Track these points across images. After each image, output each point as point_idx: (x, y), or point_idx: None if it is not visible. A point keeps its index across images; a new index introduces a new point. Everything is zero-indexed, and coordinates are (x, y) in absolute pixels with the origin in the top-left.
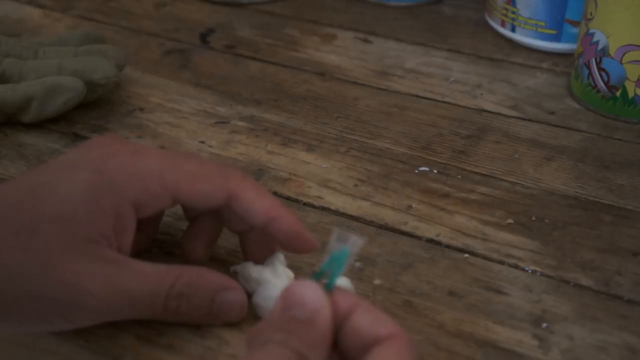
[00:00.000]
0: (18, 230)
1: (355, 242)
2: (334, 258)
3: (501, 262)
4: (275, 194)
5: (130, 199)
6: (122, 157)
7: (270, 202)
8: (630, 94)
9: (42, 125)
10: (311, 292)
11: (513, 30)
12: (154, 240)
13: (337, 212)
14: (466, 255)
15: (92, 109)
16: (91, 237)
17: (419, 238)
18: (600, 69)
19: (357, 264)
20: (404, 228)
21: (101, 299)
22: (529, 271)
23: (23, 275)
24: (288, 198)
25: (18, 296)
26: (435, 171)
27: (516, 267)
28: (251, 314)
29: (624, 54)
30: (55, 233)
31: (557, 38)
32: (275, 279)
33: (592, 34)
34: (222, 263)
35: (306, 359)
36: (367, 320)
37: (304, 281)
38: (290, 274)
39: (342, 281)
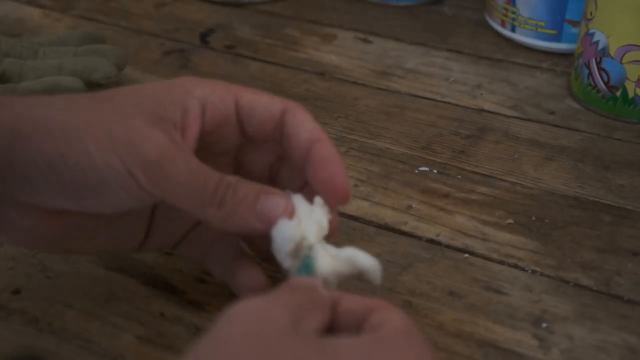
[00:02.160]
0: (94, 97)
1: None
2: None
3: (501, 262)
4: None
5: (197, 95)
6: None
7: (317, 126)
8: (631, 94)
9: None
10: (305, 279)
11: (513, 30)
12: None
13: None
14: (466, 255)
15: None
16: (161, 115)
17: (419, 238)
18: (600, 69)
19: None
20: (404, 228)
21: (155, 160)
22: (529, 271)
23: (91, 124)
24: None
25: (82, 149)
26: (435, 171)
27: (516, 267)
28: None
29: (624, 54)
30: (130, 102)
31: (557, 38)
32: (306, 219)
33: (592, 34)
34: None
35: (313, 306)
36: (356, 300)
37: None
38: (324, 222)
39: (372, 259)
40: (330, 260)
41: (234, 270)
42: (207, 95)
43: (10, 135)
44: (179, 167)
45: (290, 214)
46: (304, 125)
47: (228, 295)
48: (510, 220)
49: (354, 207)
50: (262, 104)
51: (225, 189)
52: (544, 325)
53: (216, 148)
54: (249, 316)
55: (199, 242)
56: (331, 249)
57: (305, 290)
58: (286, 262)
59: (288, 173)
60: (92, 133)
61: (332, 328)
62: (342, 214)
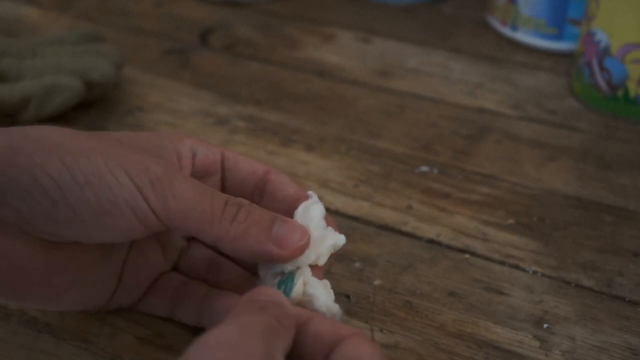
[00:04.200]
0: (98, 133)
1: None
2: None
3: (502, 263)
4: None
5: (187, 143)
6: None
7: (299, 188)
8: (632, 94)
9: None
10: (273, 289)
11: (514, 29)
12: None
13: (337, 212)
14: (467, 255)
15: (91, 109)
16: (157, 154)
17: (419, 238)
18: (601, 69)
19: (357, 265)
20: (404, 228)
21: (163, 177)
22: (530, 272)
23: (95, 146)
24: None
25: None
26: (436, 171)
27: (517, 267)
28: None
29: (625, 54)
30: (126, 140)
31: (558, 37)
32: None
33: (594, 34)
34: None
35: (282, 328)
36: (327, 324)
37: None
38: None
39: (333, 308)
40: (302, 288)
41: (207, 308)
42: (196, 145)
43: (8, 152)
44: (186, 184)
45: (307, 243)
46: (290, 183)
47: None
48: (511, 221)
49: (354, 207)
50: (247, 161)
51: (237, 208)
52: (545, 326)
53: None
54: (224, 351)
55: (166, 291)
56: (310, 279)
57: (273, 307)
58: (266, 276)
59: None
60: (99, 152)
61: (295, 351)
62: (342, 214)
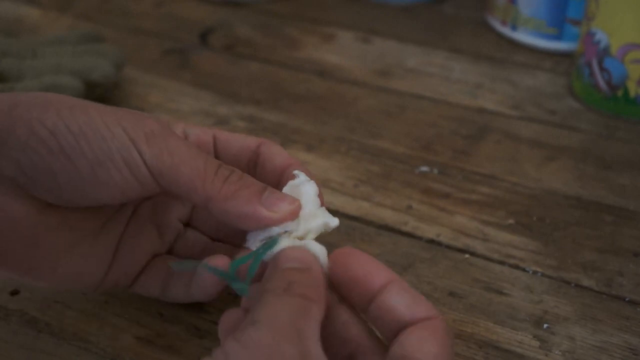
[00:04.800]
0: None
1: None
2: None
3: (502, 263)
4: None
5: (180, 124)
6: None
7: (290, 157)
8: (632, 94)
9: None
10: (300, 250)
11: (514, 29)
12: None
13: (337, 212)
14: (467, 255)
15: None
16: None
17: (419, 238)
18: (601, 69)
19: None
20: (404, 228)
21: (158, 132)
22: (530, 272)
23: (91, 104)
24: None
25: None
26: (436, 171)
27: (517, 267)
28: None
29: (625, 53)
30: (123, 111)
31: (558, 37)
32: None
33: (594, 34)
34: None
35: (312, 301)
36: (404, 299)
37: (292, 247)
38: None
39: (316, 247)
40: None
41: (190, 284)
42: (188, 127)
43: (8, 107)
44: (181, 142)
45: (298, 209)
46: (279, 154)
47: (227, 295)
48: (511, 221)
49: (354, 207)
50: (239, 138)
51: (229, 171)
52: (545, 326)
53: None
54: (258, 354)
55: (159, 272)
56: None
57: (299, 279)
58: (253, 245)
59: None
60: (95, 108)
61: (368, 316)
62: (342, 214)
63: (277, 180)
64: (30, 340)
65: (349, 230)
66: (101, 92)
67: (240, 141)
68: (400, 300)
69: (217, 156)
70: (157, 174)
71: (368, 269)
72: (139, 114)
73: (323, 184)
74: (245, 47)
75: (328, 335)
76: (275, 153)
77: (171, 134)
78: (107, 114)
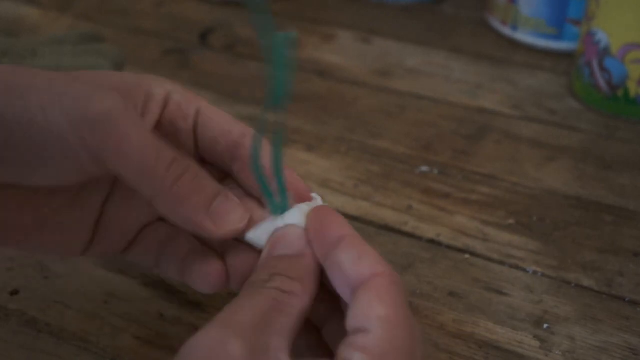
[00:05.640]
0: (56, 72)
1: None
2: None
3: (502, 263)
4: None
5: (165, 87)
6: None
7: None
8: (632, 94)
9: None
10: (293, 233)
11: (514, 29)
12: None
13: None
14: (467, 255)
15: None
16: (123, 94)
17: (419, 238)
18: (602, 69)
19: None
20: (404, 228)
21: (108, 115)
22: (530, 272)
23: (37, 84)
24: None
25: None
26: (436, 171)
27: (517, 267)
28: None
29: (625, 53)
30: (91, 77)
31: (558, 37)
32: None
33: (594, 33)
34: None
35: (291, 289)
36: (350, 257)
37: (287, 226)
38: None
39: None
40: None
41: (189, 266)
42: (173, 91)
43: None
44: (130, 130)
45: (246, 226)
46: (262, 154)
47: (227, 295)
48: (511, 221)
49: (354, 207)
50: (224, 118)
51: (183, 169)
52: (545, 326)
53: None
54: (202, 353)
55: (151, 242)
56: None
57: (284, 269)
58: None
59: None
60: (36, 90)
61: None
62: (342, 214)
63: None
64: (30, 340)
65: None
66: None
67: (223, 124)
68: (346, 257)
69: (196, 134)
70: (101, 163)
71: (326, 223)
72: (92, 90)
73: (323, 184)
74: (245, 47)
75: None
76: (263, 155)
77: (123, 115)
78: (46, 98)
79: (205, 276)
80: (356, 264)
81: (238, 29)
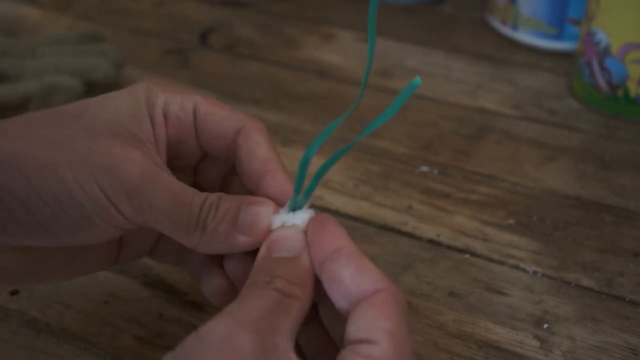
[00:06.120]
0: (60, 118)
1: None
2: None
3: (502, 263)
4: None
5: (160, 104)
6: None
7: (270, 152)
8: (632, 94)
9: None
10: (292, 235)
11: (514, 29)
12: None
13: (337, 212)
14: (467, 255)
15: None
16: (135, 132)
17: (419, 238)
18: (602, 69)
19: None
20: (404, 228)
21: (139, 186)
22: (530, 272)
23: (64, 152)
24: None
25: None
26: (436, 171)
27: (517, 267)
28: None
29: (626, 53)
30: (101, 122)
31: (558, 37)
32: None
33: (594, 33)
34: None
35: (292, 293)
36: (349, 272)
37: (284, 227)
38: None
39: (305, 214)
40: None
41: (200, 274)
42: (168, 103)
43: None
44: (162, 193)
45: (269, 226)
46: (257, 151)
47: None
48: (511, 221)
49: (354, 207)
50: (217, 119)
51: (207, 211)
52: (545, 326)
53: (178, 164)
54: (213, 346)
55: (172, 246)
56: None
57: (284, 271)
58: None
59: (239, 188)
60: (66, 162)
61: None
62: (342, 214)
63: (255, 185)
64: (30, 340)
65: (349, 231)
66: (101, 92)
67: (218, 125)
68: (346, 272)
69: (198, 138)
70: (140, 225)
71: (324, 231)
72: (114, 153)
73: (323, 184)
74: (245, 47)
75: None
76: (252, 150)
77: (151, 182)
78: (79, 169)
79: (212, 294)
80: (357, 279)
81: (238, 29)
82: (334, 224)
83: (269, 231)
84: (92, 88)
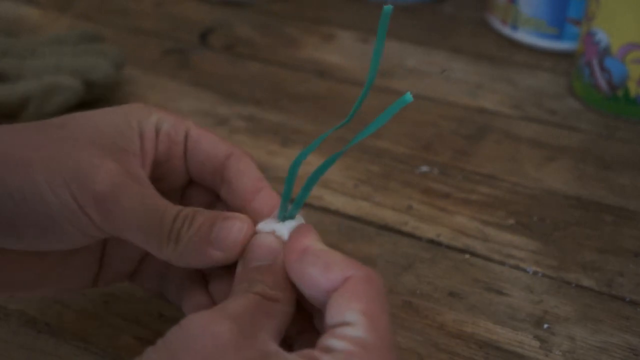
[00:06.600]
0: (43, 126)
1: None
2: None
3: (502, 263)
4: None
5: (152, 120)
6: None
7: (260, 177)
8: (632, 94)
9: None
10: (266, 243)
11: (514, 29)
12: None
13: (337, 212)
14: (467, 255)
15: (91, 109)
16: (120, 144)
17: (419, 238)
18: (602, 69)
19: None
20: (404, 228)
21: (109, 193)
22: (530, 272)
23: (41, 156)
24: None
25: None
26: (436, 171)
27: (517, 267)
28: None
29: (626, 53)
30: (83, 133)
31: (558, 37)
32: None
33: (594, 33)
34: None
35: (273, 297)
36: (317, 268)
37: (259, 235)
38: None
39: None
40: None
41: (182, 296)
42: (161, 121)
43: None
44: (133, 201)
45: (248, 234)
46: (249, 172)
47: None
48: (511, 221)
49: (354, 207)
50: (210, 141)
51: (182, 222)
52: (546, 326)
53: (162, 187)
54: (194, 331)
55: (154, 269)
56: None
57: (265, 274)
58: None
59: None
60: (41, 165)
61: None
62: (342, 214)
63: (242, 204)
64: (30, 340)
65: (349, 231)
66: (101, 92)
67: (209, 148)
68: (313, 269)
69: (186, 158)
70: (110, 234)
71: (295, 237)
72: (92, 159)
73: (323, 184)
74: (245, 47)
75: None
76: (242, 172)
77: (124, 191)
78: (52, 174)
79: (193, 310)
80: (325, 272)
81: (238, 29)
82: (310, 231)
83: (244, 246)
84: (92, 88)
